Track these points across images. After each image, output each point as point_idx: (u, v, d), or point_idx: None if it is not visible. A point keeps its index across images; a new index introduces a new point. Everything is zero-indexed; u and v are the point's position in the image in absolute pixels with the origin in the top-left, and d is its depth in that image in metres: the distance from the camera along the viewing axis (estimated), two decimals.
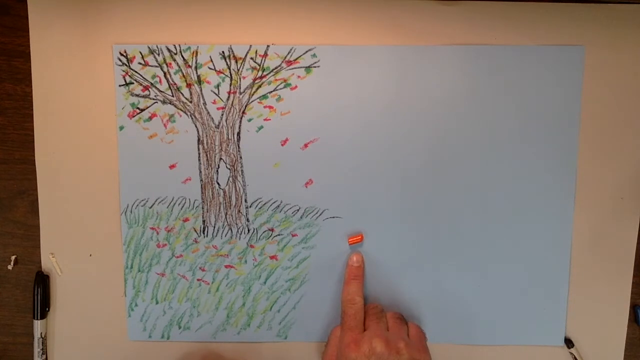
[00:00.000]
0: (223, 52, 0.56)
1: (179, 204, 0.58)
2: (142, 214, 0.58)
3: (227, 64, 0.57)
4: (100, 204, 0.58)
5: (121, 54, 0.56)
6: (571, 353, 0.59)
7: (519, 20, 0.56)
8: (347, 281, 0.57)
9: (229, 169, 0.58)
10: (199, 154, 0.58)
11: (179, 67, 0.57)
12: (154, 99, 0.57)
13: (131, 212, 0.58)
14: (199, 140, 0.58)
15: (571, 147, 0.57)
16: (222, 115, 0.57)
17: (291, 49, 0.56)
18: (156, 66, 0.57)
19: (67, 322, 0.60)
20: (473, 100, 0.57)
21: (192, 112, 0.57)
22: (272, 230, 0.59)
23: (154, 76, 0.57)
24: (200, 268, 0.59)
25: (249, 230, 0.59)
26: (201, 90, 0.57)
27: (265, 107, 0.57)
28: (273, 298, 0.60)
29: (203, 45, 0.56)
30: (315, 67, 0.56)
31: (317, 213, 0.58)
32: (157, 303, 0.60)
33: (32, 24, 0.56)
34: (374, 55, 0.56)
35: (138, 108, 0.57)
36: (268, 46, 0.56)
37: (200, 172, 0.58)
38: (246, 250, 0.59)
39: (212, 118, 0.57)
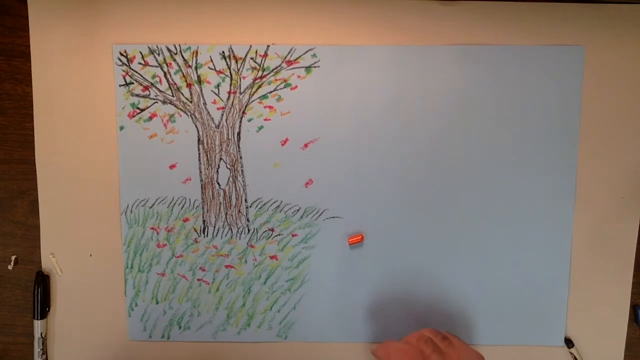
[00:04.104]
0: (223, 52, 0.56)
1: (179, 204, 0.58)
2: (142, 214, 0.58)
3: (227, 64, 0.57)
4: (100, 204, 0.58)
5: (121, 54, 0.56)
6: (571, 353, 0.59)
7: (519, 20, 0.56)
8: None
9: (229, 169, 0.58)
10: (199, 154, 0.58)
11: (179, 67, 0.57)
12: (154, 99, 0.57)
13: (131, 212, 0.58)
14: (199, 140, 0.58)
15: (571, 147, 0.57)
16: (222, 115, 0.57)
17: (291, 49, 0.56)
18: (156, 66, 0.57)
19: (67, 322, 0.60)
20: (473, 100, 0.57)
21: (192, 112, 0.57)
22: (272, 230, 0.59)
23: (154, 76, 0.57)
24: (200, 268, 0.59)
25: (249, 230, 0.59)
26: (201, 90, 0.57)
27: (265, 107, 0.57)
28: (273, 298, 0.60)
29: (203, 45, 0.56)
30: (315, 67, 0.56)
31: (317, 213, 0.58)
32: (157, 303, 0.60)
33: (32, 24, 0.56)
34: (374, 55, 0.56)
35: (138, 108, 0.57)
36: (268, 46, 0.56)
37: (201, 172, 0.58)
38: (246, 250, 0.59)
39: (212, 118, 0.57)
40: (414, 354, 0.50)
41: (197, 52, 0.56)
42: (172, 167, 0.58)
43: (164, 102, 0.57)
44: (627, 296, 0.59)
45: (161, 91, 0.57)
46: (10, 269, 0.60)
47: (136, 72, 0.57)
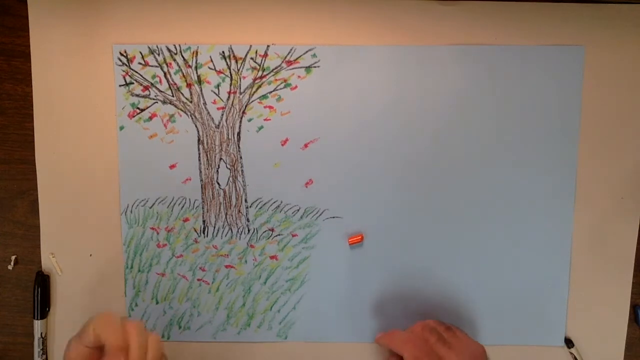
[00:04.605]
0: (223, 52, 0.56)
1: (179, 204, 0.58)
2: (142, 214, 0.58)
3: (227, 64, 0.57)
4: (100, 204, 0.58)
5: (121, 54, 0.56)
6: (571, 353, 0.59)
7: (519, 20, 0.56)
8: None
9: (229, 169, 0.58)
10: (199, 154, 0.58)
11: (179, 67, 0.57)
12: (154, 99, 0.57)
13: (131, 212, 0.58)
14: (199, 140, 0.58)
15: (571, 147, 0.57)
16: (222, 115, 0.57)
17: (291, 49, 0.56)
18: (156, 66, 0.57)
19: (67, 322, 0.60)
20: (473, 100, 0.57)
21: (192, 112, 0.57)
22: (272, 230, 0.59)
23: (154, 76, 0.57)
24: (200, 268, 0.59)
25: (249, 230, 0.59)
26: (201, 90, 0.57)
27: (265, 107, 0.57)
28: (273, 298, 0.60)
29: (203, 45, 0.56)
30: (315, 67, 0.56)
31: (317, 213, 0.58)
32: (157, 303, 0.60)
33: (32, 24, 0.56)
34: (374, 55, 0.56)
35: (138, 108, 0.57)
36: (268, 46, 0.56)
37: (200, 172, 0.58)
38: (246, 250, 0.59)
39: (212, 118, 0.57)
40: (419, 342, 0.50)
41: (197, 52, 0.56)
42: (172, 167, 0.58)
43: (164, 102, 0.57)
44: (627, 296, 0.59)
45: (161, 91, 0.57)
46: (10, 269, 0.60)
47: (136, 72, 0.57)
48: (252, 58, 0.56)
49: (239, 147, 0.58)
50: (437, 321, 0.53)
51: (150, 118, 0.57)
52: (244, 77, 0.57)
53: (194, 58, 0.56)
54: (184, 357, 0.61)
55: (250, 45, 0.56)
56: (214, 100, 0.57)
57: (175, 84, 0.57)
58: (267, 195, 0.58)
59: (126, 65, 0.57)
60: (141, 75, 0.57)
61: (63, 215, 0.59)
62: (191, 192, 0.58)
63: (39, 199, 0.58)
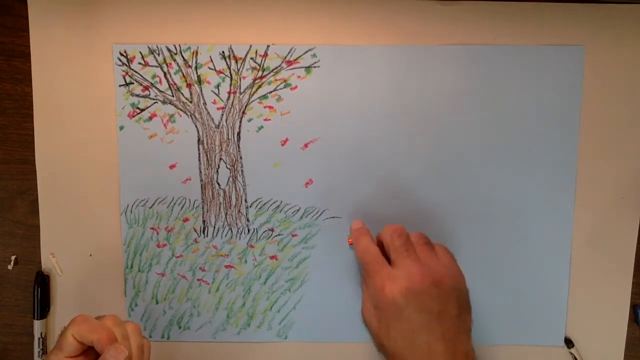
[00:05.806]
0: (223, 52, 0.56)
1: (179, 204, 0.58)
2: (142, 214, 0.58)
3: (227, 64, 0.57)
4: (100, 204, 0.58)
5: (121, 54, 0.56)
6: (571, 353, 0.59)
7: (519, 20, 0.56)
8: (355, 241, 0.51)
9: (229, 169, 0.58)
10: (199, 154, 0.58)
11: (179, 67, 0.57)
12: (154, 99, 0.57)
13: (131, 212, 0.58)
14: (199, 140, 0.58)
15: (571, 147, 0.57)
16: (222, 115, 0.57)
17: (291, 49, 0.56)
18: (156, 66, 0.57)
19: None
20: (473, 100, 0.57)
21: (192, 112, 0.57)
22: (272, 230, 0.59)
23: (154, 76, 0.57)
24: (200, 268, 0.59)
25: (249, 230, 0.59)
26: (201, 90, 0.57)
27: (265, 107, 0.57)
28: (273, 298, 0.60)
29: (203, 45, 0.56)
30: (315, 67, 0.56)
31: (317, 213, 0.58)
32: (157, 303, 0.60)
33: (32, 24, 0.56)
34: (374, 55, 0.56)
35: (138, 108, 0.57)
36: (268, 46, 0.56)
37: (200, 172, 0.58)
38: (246, 250, 0.59)
39: (212, 118, 0.57)
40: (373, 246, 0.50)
41: (197, 52, 0.56)
42: (172, 167, 0.58)
43: (164, 102, 0.57)
44: (627, 296, 0.59)
45: (161, 91, 0.57)
46: (10, 269, 0.60)
47: (136, 72, 0.57)
48: (252, 58, 0.56)
49: (239, 147, 0.58)
50: (422, 235, 0.48)
51: (150, 118, 0.57)
52: (244, 77, 0.57)
53: (194, 58, 0.56)
54: (184, 357, 0.61)
55: (250, 45, 0.56)
56: (214, 100, 0.57)
57: (175, 84, 0.57)
58: (267, 195, 0.58)
59: (126, 65, 0.57)
60: (141, 75, 0.57)
61: (63, 215, 0.59)
62: (191, 192, 0.58)
63: (39, 199, 0.58)
